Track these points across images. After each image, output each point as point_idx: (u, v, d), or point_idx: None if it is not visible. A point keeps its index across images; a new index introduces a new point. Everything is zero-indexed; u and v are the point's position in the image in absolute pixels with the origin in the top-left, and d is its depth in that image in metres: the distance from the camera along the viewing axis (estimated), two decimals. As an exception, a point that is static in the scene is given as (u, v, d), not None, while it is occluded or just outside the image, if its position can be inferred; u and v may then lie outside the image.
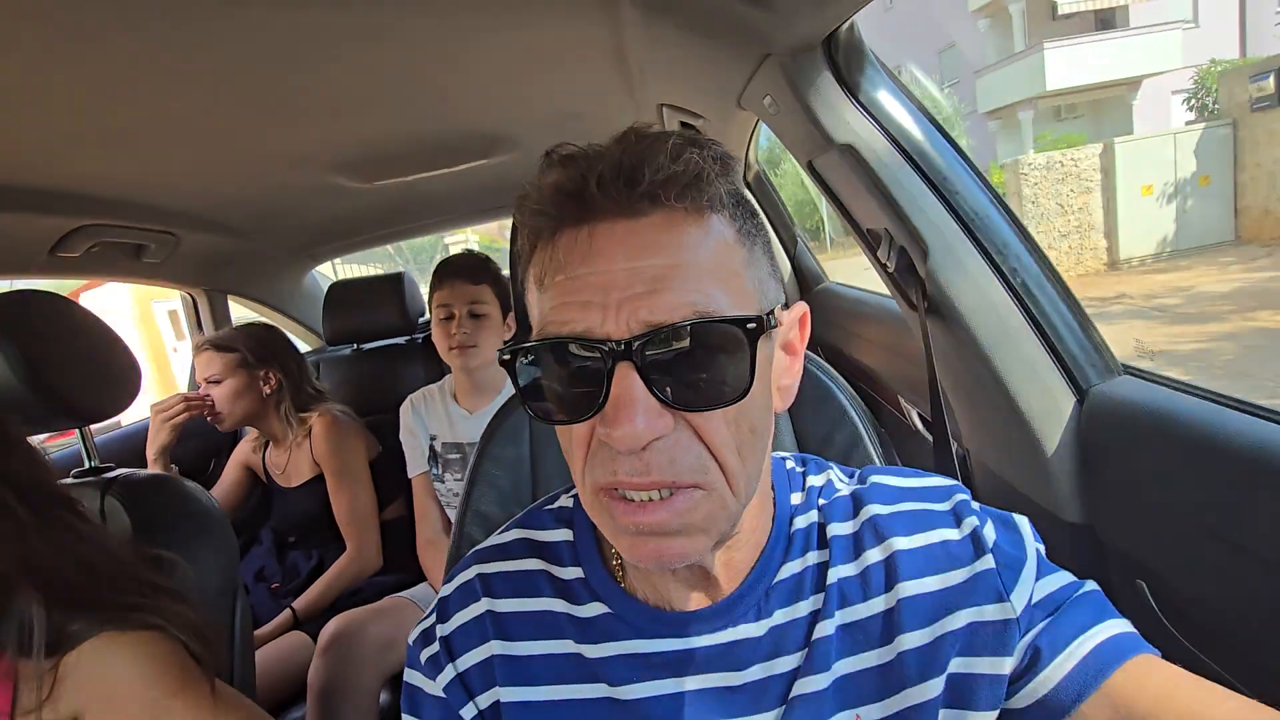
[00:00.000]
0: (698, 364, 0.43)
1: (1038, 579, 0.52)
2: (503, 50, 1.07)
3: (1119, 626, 0.50)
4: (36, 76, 0.85)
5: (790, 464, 0.61)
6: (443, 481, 1.76)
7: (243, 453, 2.01)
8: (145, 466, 1.79)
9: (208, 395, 1.79)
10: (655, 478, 0.43)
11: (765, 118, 1.04)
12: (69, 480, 1.05)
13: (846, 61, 0.84)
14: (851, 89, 0.85)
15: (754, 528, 0.54)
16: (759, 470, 0.50)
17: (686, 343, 0.43)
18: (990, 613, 0.50)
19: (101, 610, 0.79)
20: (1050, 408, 0.82)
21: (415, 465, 1.79)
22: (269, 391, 1.84)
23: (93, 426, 1.12)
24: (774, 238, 2.13)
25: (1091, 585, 0.53)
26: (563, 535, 0.60)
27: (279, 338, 1.92)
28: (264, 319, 2.35)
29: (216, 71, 0.94)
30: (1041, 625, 0.50)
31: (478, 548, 0.63)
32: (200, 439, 2.01)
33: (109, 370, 1.06)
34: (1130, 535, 0.75)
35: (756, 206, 0.53)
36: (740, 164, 1.80)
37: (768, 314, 0.45)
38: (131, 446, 1.93)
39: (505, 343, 0.51)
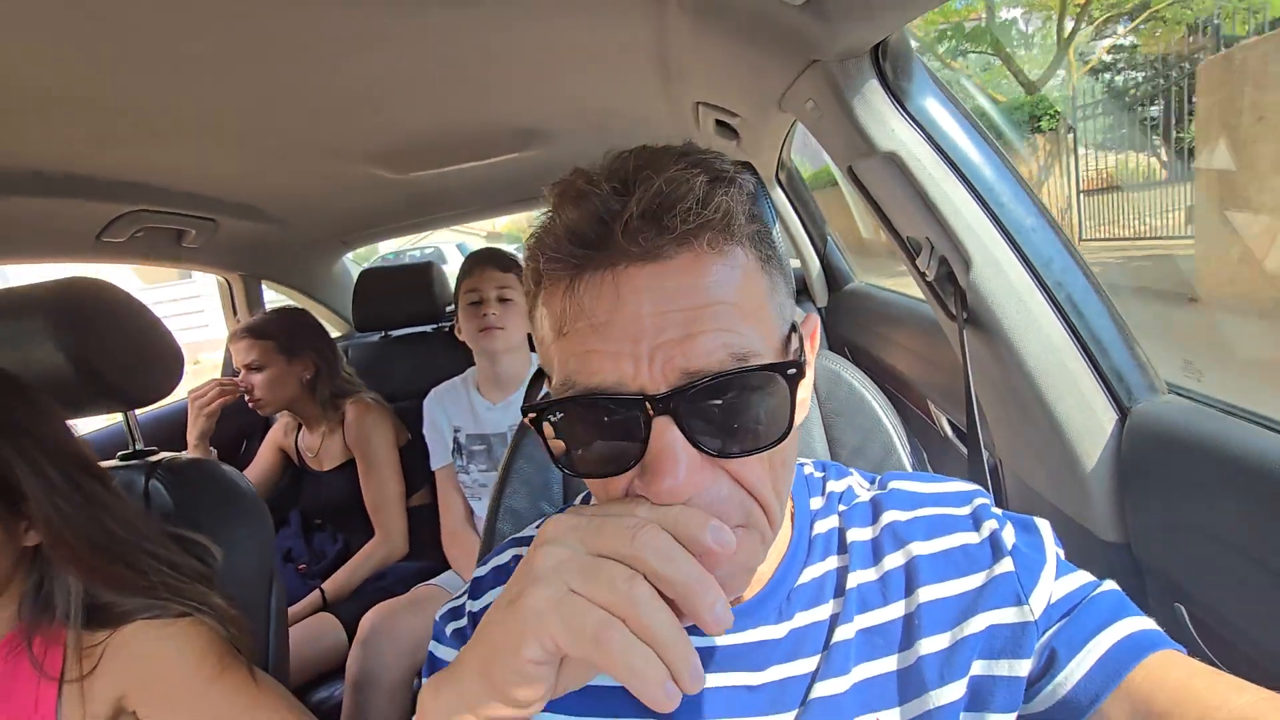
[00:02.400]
0: (737, 411, 0.42)
1: (1056, 579, 0.52)
2: (541, 45, 1.06)
3: (1137, 623, 0.49)
4: (83, 70, 0.87)
5: (809, 469, 0.62)
6: (467, 473, 1.78)
7: (276, 435, 2.05)
8: (184, 448, 1.84)
9: (242, 380, 1.83)
10: None
11: (806, 121, 1.03)
12: (114, 462, 1.08)
13: (894, 69, 0.83)
14: (898, 97, 0.84)
15: (779, 538, 0.54)
16: (789, 494, 0.50)
17: (727, 390, 0.41)
18: (1009, 615, 0.50)
19: (139, 593, 0.82)
20: (1091, 425, 0.81)
21: (439, 458, 1.82)
22: (307, 377, 1.87)
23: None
24: (805, 239, 2.12)
25: (1110, 584, 0.52)
26: None
27: (312, 323, 1.95)
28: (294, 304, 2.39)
29: (258, 63, 0.95)
30: (1058, 625, 0.50)
31: (516, 535, 0.64)
32: (234, 420, 2.05)
33: (153, 356, 1.08)
34: (1170, 558, 0.74)
35: (774, 212, 0.52)
36: (773, 163, 1.79)
37: (799, 354, 0.45)
38: (170, 426, 1.98)
39: (535, 397, 0.50)
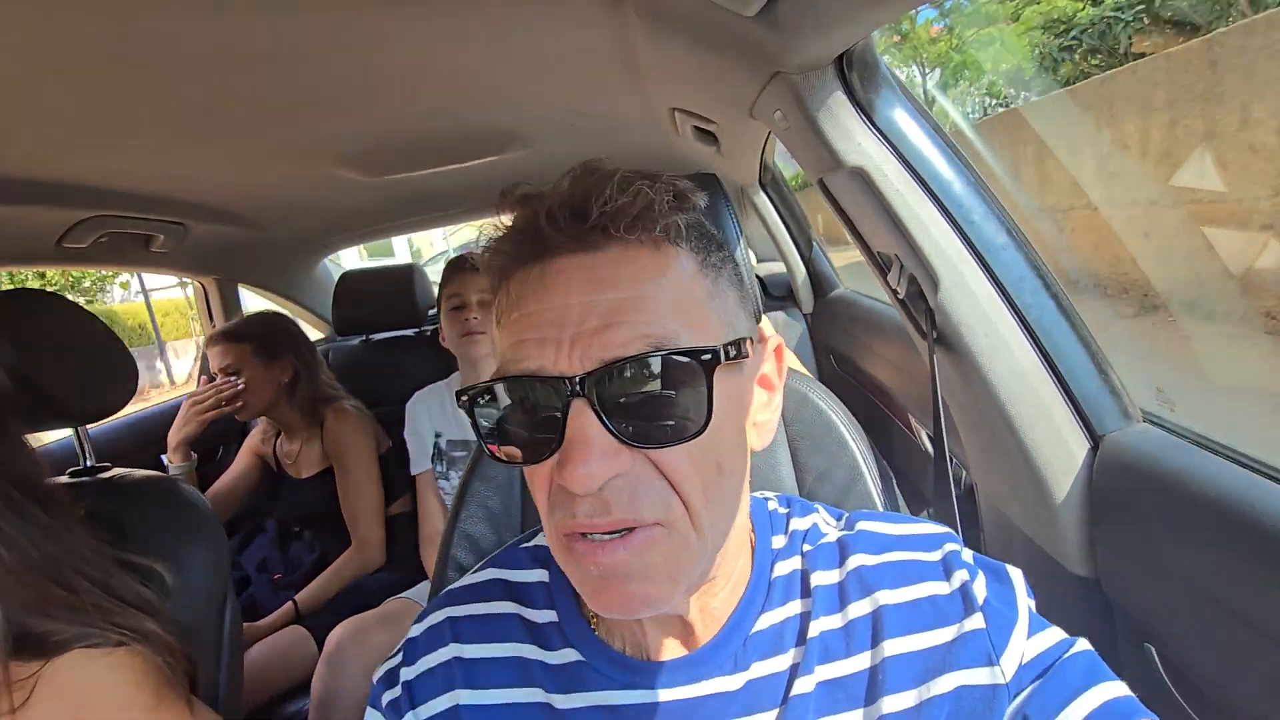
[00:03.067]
0: (655, 399, 0.42)
1: (1029, 638, 0.49)
2: (512, 51, 1.03)
3: (1113, 690, 0.46)
4: (39, 70, 0.84)
5: (773, 505, 0.59)
6: (448, 479, 1.76)
7: (254, 441, 2.02)
8: (142, 457, 1.81)
9: (239, 383, 1.79)
10: (617, 516, 0.42)
11: (777, 132, 1.00)
12: (63, 479, 1.05)
13: (861, 80, 0.79)
14: (865, 109, 0.81)
15: (732, 572, 0.52)
16: (731, 512, 0.48)
17: (643, 377, 0.41)
18: (979, 676, 0.47)
19: (76, 622, 0.79)
20: (1061, 453, 0.78)
21: (419, 463, 1.80)
22: (285, 381, 1.83)
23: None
24: (790, 244, 2.09)
25: (1083, 644, 0.49)
26: (538, 576, 0.58)
27: (291, 327, 1.92)
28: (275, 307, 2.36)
29: (223, 64, 0.92)
30: (1030, 689, 0.47)
31: (450, 588, 0.61)
32: (211, 425, 2.02)
33: (104, 370, 1.05)
34: (1140, 596, 0.71)
35: (722, 238, 0.51)
36: (755, 168, 1.75)
37: (729, 344, 0.43)
38: (135, 435, 1.95)
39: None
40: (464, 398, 0.46)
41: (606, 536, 0.42)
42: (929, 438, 1.40)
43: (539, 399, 0.43)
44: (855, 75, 0.78)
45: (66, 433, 1.84)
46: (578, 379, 0.41)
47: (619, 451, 0.41)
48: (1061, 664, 0.47)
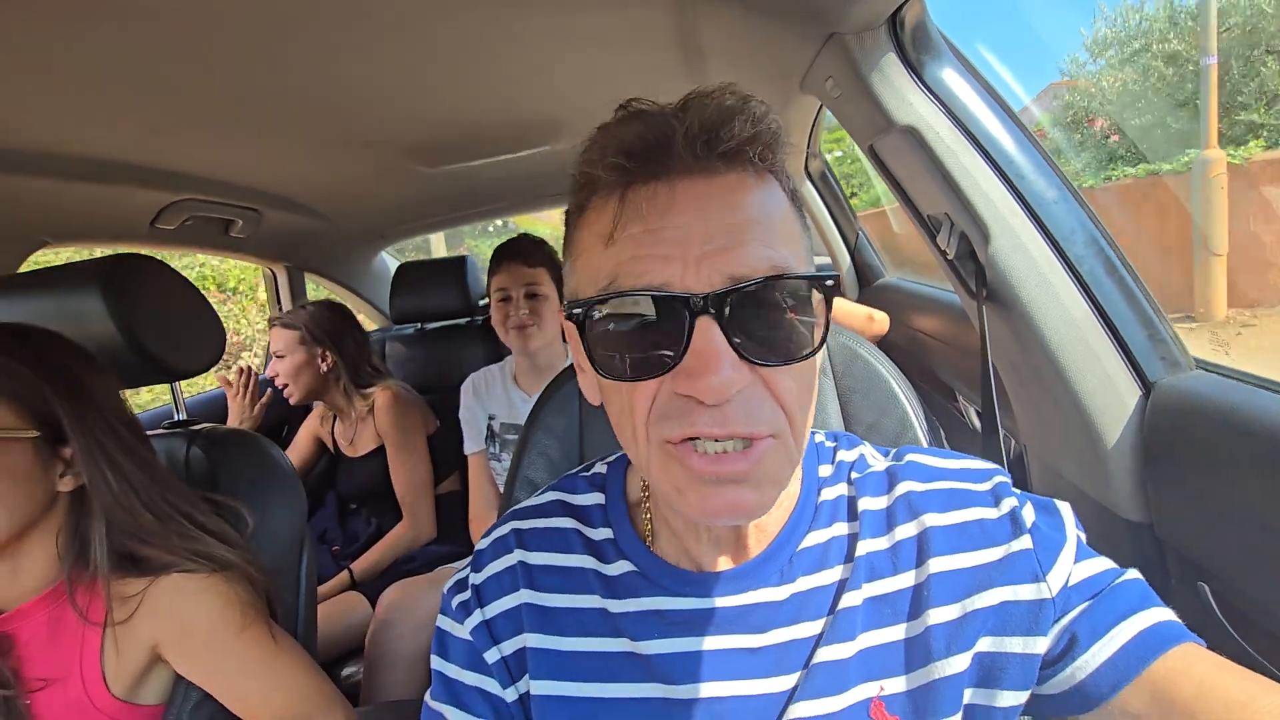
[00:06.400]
0: (776, 320, 0.44)
1: (1076, 562, 0.50)
2: (566, 35, 1.09)
3: (1161, 614, 0.48)
4: (139, 64, 0.93)
5: (820, 438, 0.61)
6: (500, 460, 1.80)
7: (312, 423, 2.13)
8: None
9: (271, 367, 1.94)
10: (734, 428, 0.43)
11: (827, 101, 1.03)
12: (160, 431, 1.14)
13: (912, 40, 0.82)
14: (916, 69, 0.84)
15: (787, 494, 0.54)
16: (809, 431, 0.50)
17: (769, 299, 0.43)
18: (1025, 592, 0.49)
19: (170, 549, 0.86)
20: (1113, 401, 0.79)
21: (472, 443, 1.84)
22: (326, 369, 1.93)
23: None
24: (836, 234, 2.10)
25: (1133, 573, 0.51)
26: (595, 499, 0.61)
27: (341, 317, 2.01)
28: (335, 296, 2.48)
29: (298, 58, 1.00)
30: (1079, 610, 0.48)
31: (515, 507, 0.65)
32: (274, 408, 2.14)
33: (197, 330, 1.14)
34: (1193, 536, 0.72)
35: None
36: (802, 150, 1.78)
37: (836, 276, 0.46)
38: (216, 408, 2.07)
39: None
40: (576, 310, 0.46)
41: (723, 448, 0.43)
42: (978, 414, 1.40)
43: (662, 315, 0.43)
44: (907, 35, 0.81)
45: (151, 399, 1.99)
46: (707, 296, 0.42)
47: (741, 366, 0.43)
48: (1112, 589, 0.49)
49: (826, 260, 2.21)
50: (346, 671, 1.62)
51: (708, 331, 0.42)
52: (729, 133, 0.43)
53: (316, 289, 2.58)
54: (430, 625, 1.54)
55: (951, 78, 0.84)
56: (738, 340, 0.43)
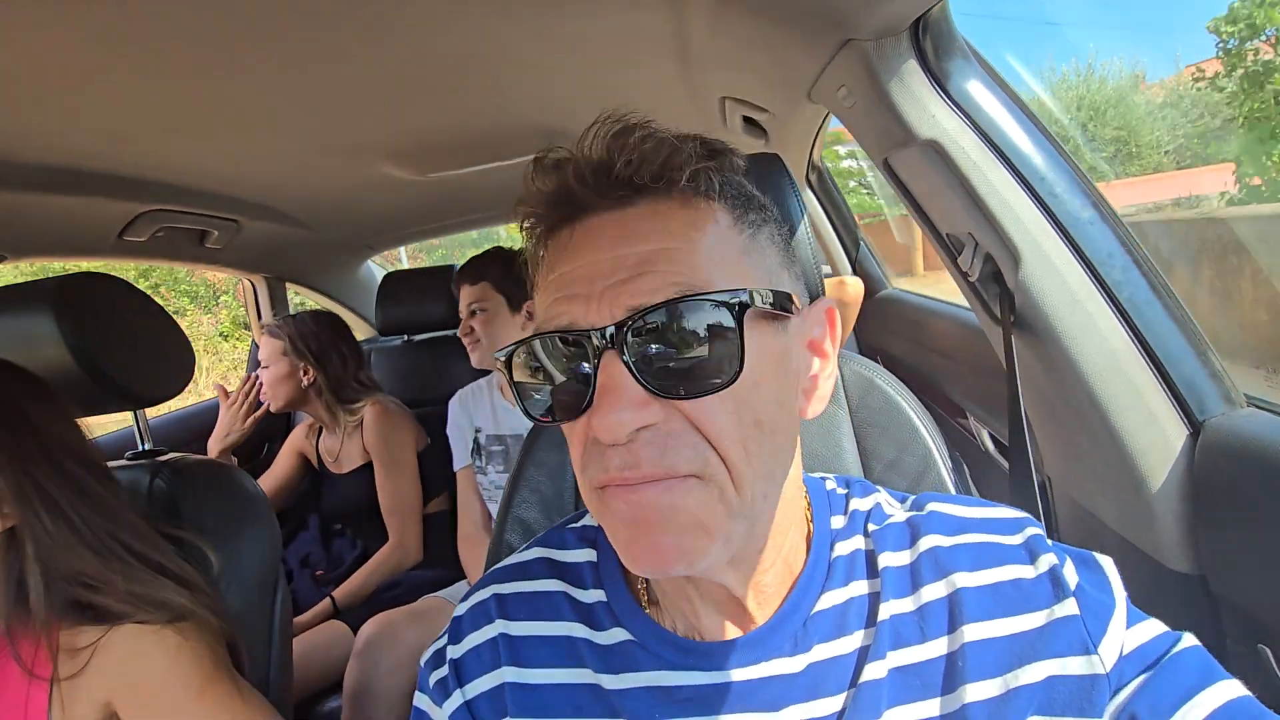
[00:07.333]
0: (684, 348, 0.41)
1: (1128, 628, 0.44)
2: (559, 40, 1.03)
3: (1230, 690, 0.42)
4: (103, 65, 0.86)
5: (831, 485, 0.56)
6: (485, 474, 1.75)
7: (297, 438, 2.05)
8: (197, 450, 1.85)
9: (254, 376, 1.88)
10: (646, 470, 0.40)
11: (838, 111, 0.97)
12: (122, 462, 1.06)
13: (935, 48, 0.76)
14: (939, 79, 0.77)
15: (782, 546, 0.49)
16: (776, 475, 0.45)
17: (672, 325, 0.41)
18: (1074, 666, 0.43)
19: (122, 597, 0.79)
20: (1157, 440, 0.73)
21: (460, 459, 1.79)
22: (306, 383, 1.87)
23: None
24: (834, 239, 2.05)
25: (1190, 639, 0.45)
26: (585, 556, 0.56)
27: (328, 328, 1.94)
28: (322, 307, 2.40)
29: (274, 60, 0.94)
30: (1136, 684, 0.42)
31: (496, 566, 0.59)
32: (257, 424, 2.06)
33: (164, 355, 1.06)
34: (1252, 592, 0.65)
35: (766, 200, 0.49)
36: (803, 164, 1.72)
37: (762, 291, 0.42)
38: (187, 429, 1.98)
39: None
40: (500, 360, 0.46)
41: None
42: (991, 437, 1.34)
43: (572, 354, 0.43)
44: (930, 42, 0.75)
45: (118, 424, 1.90)
46: (607, 329, 0.40)
47: (648, 402, 0.40)
48: (1171, 659, 0.43)
49: (828, 269, 2.16)
50: (329, 706, 1.55)
51: (610, 367, 0.41)
52: (615, 161, 0.43)
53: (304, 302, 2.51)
54: (411, 662, 1.48)
55: (978, 89, 0.78)
56: (645, 373, 0.40)
